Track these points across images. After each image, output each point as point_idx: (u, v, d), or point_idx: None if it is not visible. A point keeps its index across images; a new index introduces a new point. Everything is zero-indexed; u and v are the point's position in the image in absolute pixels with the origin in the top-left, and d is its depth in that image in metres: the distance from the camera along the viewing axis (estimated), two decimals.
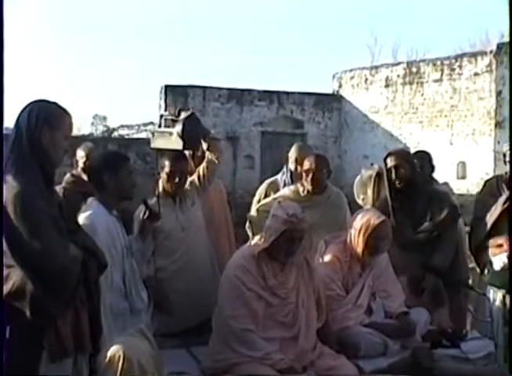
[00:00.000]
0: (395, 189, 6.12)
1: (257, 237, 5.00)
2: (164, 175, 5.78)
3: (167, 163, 5.72)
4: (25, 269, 3.30)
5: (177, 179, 5.74)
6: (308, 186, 6.29)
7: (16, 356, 3.30)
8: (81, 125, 36.25)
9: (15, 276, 3.32)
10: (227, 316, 4.74)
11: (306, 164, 6.31)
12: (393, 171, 6.10)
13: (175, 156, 5.74)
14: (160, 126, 5.20)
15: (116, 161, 4.75)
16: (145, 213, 5.28)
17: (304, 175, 6.32)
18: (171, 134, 5.50)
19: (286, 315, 4.87)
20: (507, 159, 5.95)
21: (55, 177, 3.65)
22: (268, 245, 4.79)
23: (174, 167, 5.74)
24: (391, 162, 6.13)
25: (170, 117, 5.61)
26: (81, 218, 4.49)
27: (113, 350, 3.37)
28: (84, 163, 6.57)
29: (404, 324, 5.30)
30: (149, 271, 5.41)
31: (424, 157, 6.96)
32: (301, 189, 6.38)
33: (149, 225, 5.32)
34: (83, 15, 73.88)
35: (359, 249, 5.29)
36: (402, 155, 6.26)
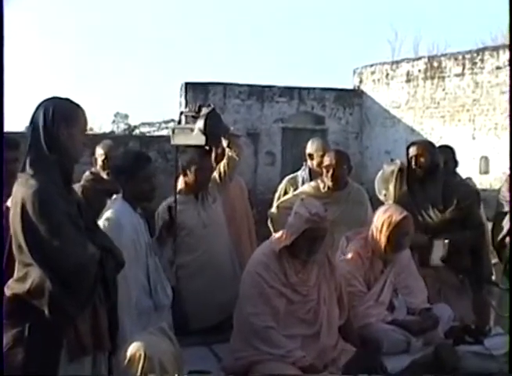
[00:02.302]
0: (416, 178, 6.10)
1: (278, 234, 4.98)
2: (190, 173, 5.80)
3: (192, 160, 5.73)
4: (43, 267, 3.30)
5: (202, 176, 5.74)
6: (329, 182, 6.25)
7: (34, 354, 3.30)
8: (103, 123, 36.37)
9: (33, 275, 3.33)
10: (248, 313, 4.72)
11: (326, 160, 6.28)
12: (413, 160, 6.08)
13: (201, 152, 5.73)
14: (179, 123, 5.12)
15: (133, 165, 4.69)
16: (164, 222, 5.29)
17: (324, 171, 6.29)
18: (192, 130, 5.48)
19: (307, 312, 4.85)
20: None
21: (73, 175, 3.65)
22: (289, 243, 4.77)
23: (199, 164, 5.76)
24: (412, 152, 6.11)
25: (190, 114, 5.57)
26: (107, 214, 4.54)
27: (134, 349, 3.36)
28: (103, 161, 6.57)
29: (426, 320, 5.26)
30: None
31: (448, 152, 6.91)
32: (321, 186, 6.35)
33: (167, 234, 5.32)
34: (103, 13, 74.14)
35: (381, 245, 5.25)
36: (424, 145, 6.25)
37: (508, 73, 18.38)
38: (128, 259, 3.93)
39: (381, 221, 5.27)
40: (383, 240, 5.24)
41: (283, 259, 4.83)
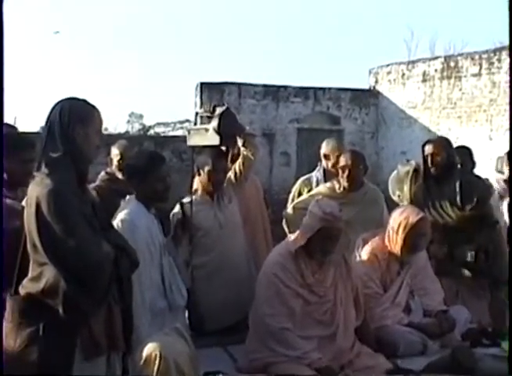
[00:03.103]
0: (432, 177, 6.08)
1: (294, 235, 4.97)
2: (203, 174, 5.80)
3: (208, 161, 5.74)
4: (58, 266, 3.30)
5: (217, 177, 5.75)
6: (344, 183, 6.23)
7: (49, 354, 3.29)
8: (118, 123, 36.43)
9: (48, 274, 3.32)
10: (264, 314, 4.72)
11: (342, 161, 6.26)
12: (429, 159, 6.06)
13: (216, 154, 5.74)
14: (195, 124, 5.17)
15: (147, 165, 4.67)
16: (179, 220, 5.29)
17: (339, 171, 6.27)
18: (207, 130, 5.50)
19: (323, 313, 4.84)
20: None
21: (88, 175, 3.65)
22: (304, 242, 4.77)
23: (215, 165, 5.76)
24: (428, 150, 6.10)
25: (205, 115, 5.60)
26: (121, 215, 4.54)
27: (150, 350, 3.36)
28: (118, 161, 6.59)
29: (443, 322, 5.24)
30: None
31: (465, 153, 6.88)
32: (336, 186, 6.34)
33: (181, 232, 5.32)
34: (119, 11, 74.35)
35: (398, 247, 5.24)
36: (440, 143, 6.24)
37: None
38: (142, 260, 3.92)
39: (398, 222, 5.25)
40: (399, 242, 5.23)
41: (300, 260, 4.83)
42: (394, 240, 5.25)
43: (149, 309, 4.40)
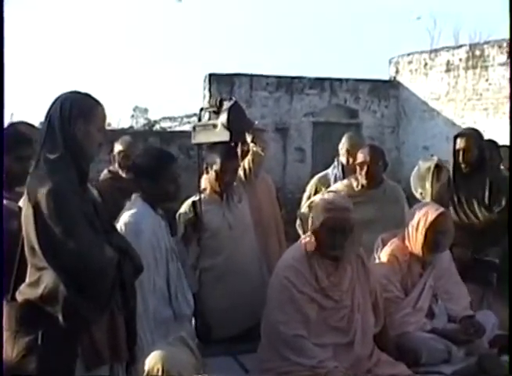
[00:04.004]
0: (461, 173, 6.06)
1: (306, 235, 4.98)
2: (212, 173, 5.74)
3: (217, 160, 5.67)
4: (58, 270, 3.30)
5: (227, 175, 5.71)
6: (363, 180, 6.23)
7: (48, 363, 3.30)
8: (121, 118, 36.50)
9: (47, 279, 3.32)
10: (277, 321, 4.71)
11: (360, 157, 6.25)
12: (460, 154, 6.05)
13: (226, 152, 5.66)
14: (200, 120, 5.06)
15: (159, 165, 4.65)
16: (190, 219, 5.28)
17: (358, 168, 6.26)
18: (214, 126, 5.41)
19: (340, 319, 4.83)
20: None
21: (89, 173, 3.65)
22: (312, 238, 4.77)
23: (225, 164, 5.69)
24: (460, 144, 6.09)
25: (212, 109, 5.54)
26: (125, 217, 4.50)
27: (152, 362, 3.34)
28: (122, 158, 6.58)
29: (469, 329, 5.22)
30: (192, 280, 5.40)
31: (492, 147, 6.87)
32: (354, 184, 6.33)
33: (192, 232, 5.31)
34: (122, 3, 74.47)
35: (418, 246, 5.22)
36: (473, 138, 6.20)
37: None
38: (146, 266, 3.93)
39: (417, 219, 5.24)
40: (420, 240, 5.21)
41: (314, 262, 4.82)
42: (414, 238, 5.24)
43: (153, 318, 4.38)
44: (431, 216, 5.18)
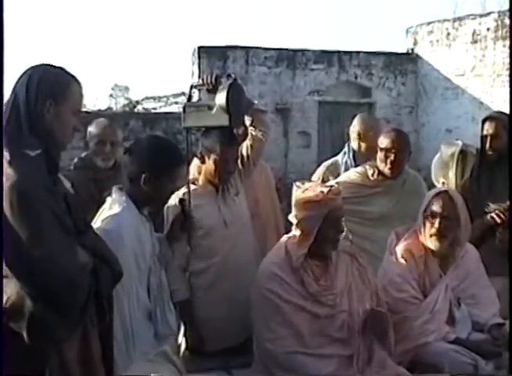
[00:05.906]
0: (487, 163, 6.08)
1: (291, 235, 5.01)
2: (210, 162, 5.63)
3: (216, 147, 5.57)
4: (22, 280, 3.18)
5: (226, 165, 5.62)
6: (386, 169, 6.19)
7: None
8: (98, 98, 36.48)
9: (9, 290, 3.21)
10: (264, 339, 4.71)
11: (386, 142, 6.20)
12: (488, 140, 6.06)
13: (226, 138, 5.56)
14: (190, 99, 4.97)
15: (169, 164, 4.55)
16: (178, 216, 5.26)
17: (381, 155, 6.24)
18: (209, 107, 5.33)
19: (339, 328, 4.81)
20: None
21: (60, 162, 3.52)
22: (302, 237, 4.77)
23: (226, 152, 5.60)
24: (488, 129, 6.10)
25: (205, 87, 5.49)
26: (105, 217, 4.39)
27: None
28: (97, 144, 6.52)
29: (499, 339, 5.22)
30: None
31: None
32: (370, 172, 6.30)
33: (178, 231, 5.29)
34: None
35: (423, 236, 5.23)
36: (503, 123, 6.20)
37: None
38: (127, 276, 3.87)
39: (423, 205, 5.27)
40: (421, 228, 5.24)
41: (296, 265, 4.80)
42: (420, 228, 5.26)
43: (132, 334, 4.28)
44: (427, 199, 5.22)
